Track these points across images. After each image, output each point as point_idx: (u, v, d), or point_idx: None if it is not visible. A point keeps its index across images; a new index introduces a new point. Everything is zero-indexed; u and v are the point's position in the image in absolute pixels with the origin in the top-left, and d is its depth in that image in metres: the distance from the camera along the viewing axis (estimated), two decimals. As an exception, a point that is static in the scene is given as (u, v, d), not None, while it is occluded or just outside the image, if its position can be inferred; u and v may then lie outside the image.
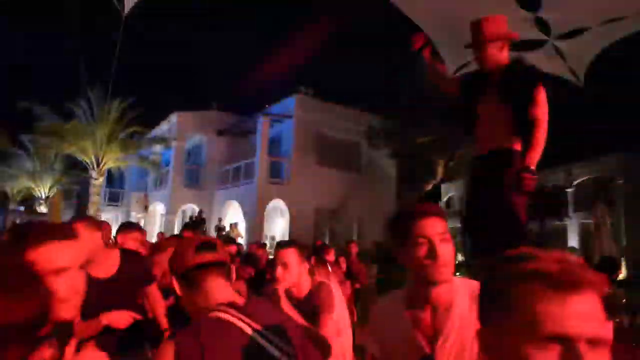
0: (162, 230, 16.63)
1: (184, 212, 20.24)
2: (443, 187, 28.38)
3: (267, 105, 18.98)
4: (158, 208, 21.04)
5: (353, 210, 18.80)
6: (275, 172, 17.85)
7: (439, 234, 1.30)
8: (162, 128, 21.53)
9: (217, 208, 19.40)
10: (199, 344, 1.19)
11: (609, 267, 5.31)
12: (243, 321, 1.29)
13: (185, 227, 15.62)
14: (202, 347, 1.18)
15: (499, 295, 0.71)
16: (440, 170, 15.78)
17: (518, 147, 2.62)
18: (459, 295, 1.33)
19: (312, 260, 5.17)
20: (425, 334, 1.31)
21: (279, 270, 2.36)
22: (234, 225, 16.82)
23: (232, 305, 1.32)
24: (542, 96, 2.56)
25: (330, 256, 5.42)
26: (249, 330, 1.28)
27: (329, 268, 5.01)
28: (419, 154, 16.18)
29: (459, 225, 2.93)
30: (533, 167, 2.46)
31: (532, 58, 4.41)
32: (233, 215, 18.68)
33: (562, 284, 0.65)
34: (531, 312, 0.65)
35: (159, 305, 2.95)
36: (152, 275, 3.02)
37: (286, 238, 16.91)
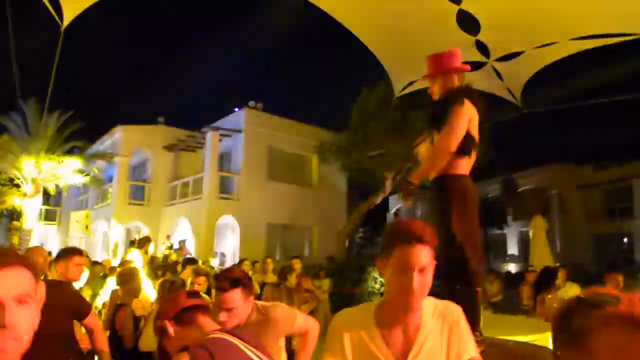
0: (106, 250, 15.91)
1: (128, 230, 19.44)
2: (391, 199, 29.10)
3: (216, 120, 18.73)
4: (100, 227, 20.08)
5: (305, 224, 18.82)
6: (225, 187, 17.56)
7: (420, 264, 1.30)
8: (105, 143, 20.66)
9: (165, 225, 18.79)
10: (211, 356, 1.37)
11: (549, 276, 5.71)
12: (237, 341, 1.50)
13: (131, 246, 15.04)
14: (213, 358, 1.38)
15: (581, 339, 0.71)
16: (388, 184, 16.12)
17: (455, 171, 2.62)
18: (427, 314, 1.39)
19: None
20: (395, 350, 1.35)
21: (223, 315, 2.06)
22: (182, 243, 16.38)
23: (224, 330, 1.56)
24: (452, 118, 2.56)
25: (293, 278, 5.40)
26: (244, 348, 1.49)
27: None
28: (368, 168, 16.48)
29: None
30: (414, 179, 2.69)
31: (474, 78, 4.67)
32: (182, 232, 18.17)
33: None
34: (617, 356, 0.65)
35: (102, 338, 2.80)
36: (87, 307, 2.84)
37: (237, 254, 16.65)
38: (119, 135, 19.54)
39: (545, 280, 5.70)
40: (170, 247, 15.53)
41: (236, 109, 18.53)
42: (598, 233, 25.65)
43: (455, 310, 1.44)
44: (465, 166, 2.62)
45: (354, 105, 16.46)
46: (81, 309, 2.74)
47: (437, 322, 1.38)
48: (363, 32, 4.33)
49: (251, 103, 18.45)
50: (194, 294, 1.71)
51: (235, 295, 2.08)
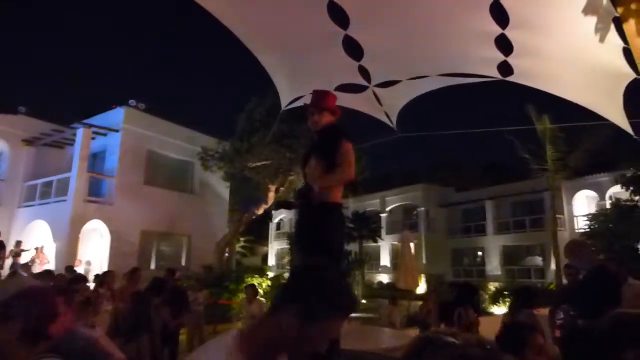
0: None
1: (-29, 233, 16.79)
2: (274, 210, 29.31)
3: (89, 115, 17.18)
4: None
5: (183, 232, 18.07)
6: (95, 190, 16.13)
7: None
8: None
9: (19, 229, 16.63)
10: None
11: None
12: None
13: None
14: None
15: None
16: (271, 195, 16.27)
17: (339, 200, 2.99)
18: None
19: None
20: None
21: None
22: (39, 249, 14.62)
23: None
24: (343, 149, 2.90)
25: None
26: None
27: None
28: (252, 178, 16.46)
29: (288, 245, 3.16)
30: (313, 199, 2.82)
31: (356, 100, 4.99)
32: (39, 238, 16.22)
33: None
34: None
35: None
36: None
37: (105, 262, 15.35)
38: (-38, 123, 16.86)
39: (465, 296, 5.63)
40: (18, 255, 13.84)
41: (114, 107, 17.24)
42: (456, 247, 28.71)
43: None
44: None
45: (242, 114, 16.38)
46: None
47: None
48: (252, 44, 4.37)
49: (131, 102, 17.31)
50: None
51: None
